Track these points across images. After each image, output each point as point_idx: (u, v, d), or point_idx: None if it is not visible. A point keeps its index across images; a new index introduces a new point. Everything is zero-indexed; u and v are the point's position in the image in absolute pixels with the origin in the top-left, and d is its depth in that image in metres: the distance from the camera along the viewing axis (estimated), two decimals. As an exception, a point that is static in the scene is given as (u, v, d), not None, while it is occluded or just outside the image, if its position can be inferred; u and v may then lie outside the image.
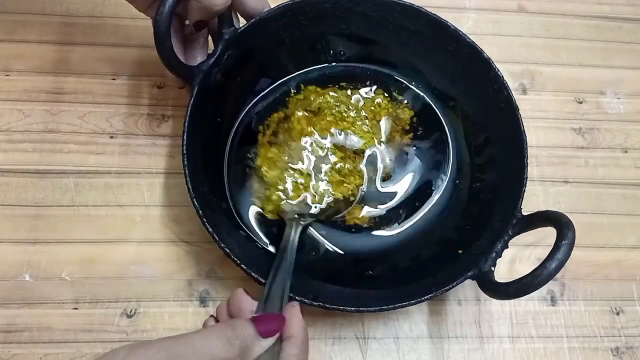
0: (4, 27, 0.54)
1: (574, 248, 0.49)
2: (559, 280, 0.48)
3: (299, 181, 0.46)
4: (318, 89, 0.51)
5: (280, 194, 0.45)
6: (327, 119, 0.49)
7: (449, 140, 0.50)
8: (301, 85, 0.51)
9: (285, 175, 0.46)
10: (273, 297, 0.35)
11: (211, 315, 0.36)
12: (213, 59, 0.43)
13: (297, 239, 0.41)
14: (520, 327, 0.46)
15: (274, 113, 0.49)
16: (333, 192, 0.46)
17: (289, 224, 0.43)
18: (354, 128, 0.49)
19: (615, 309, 0.48)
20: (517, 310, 0.47)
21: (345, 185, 0.46)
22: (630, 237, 0.51)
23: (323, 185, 0.46)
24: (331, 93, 0.50)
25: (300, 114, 0.49)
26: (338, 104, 0.50)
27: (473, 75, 0.48)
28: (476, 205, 0.46)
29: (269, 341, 0.30)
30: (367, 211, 0.46)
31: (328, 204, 0.46)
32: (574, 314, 0.47)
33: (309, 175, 0.46)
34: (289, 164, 0.46)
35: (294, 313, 0.33)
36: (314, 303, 0.37)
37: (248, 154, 0.47)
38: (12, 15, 0.55)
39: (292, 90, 0.51)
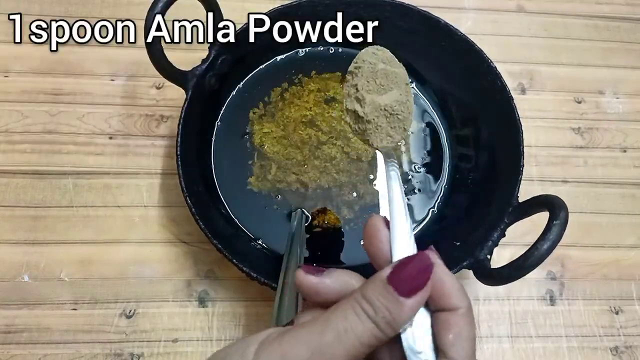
0: (3, 28, 0.54)
1: (573, 248, 0.50)
2: (558, 280, 0.48)
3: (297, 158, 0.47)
4: (340, 76, 0.51)
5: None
6: (333, 114, 0.50)
7: (444, 134, 0.50)
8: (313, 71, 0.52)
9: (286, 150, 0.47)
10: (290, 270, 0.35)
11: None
12: (206, 63, 0.44)
13: (302, 217, 0.43)
14: (520, 327, 0.46)
15: (275, 87, 0.51)
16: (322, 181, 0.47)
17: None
18: (351, 136, 0.49)
19: (615, 308, 0.48)
20: (516, 310, 0.47)
21: (334, 175, 0.47)
22: (629, 237, 0.51)
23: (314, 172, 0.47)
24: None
25: (313, 88, 0.50)
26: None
27: (467, 69, 0.48)
28: (473, 197, 0.46)
29: (417, 299, 0.21)
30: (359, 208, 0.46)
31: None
32: (573, 314, 0.47)
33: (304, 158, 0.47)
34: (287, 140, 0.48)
35: (438, 272, 0.22)
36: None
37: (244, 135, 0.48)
38: (11, 16, 0.55)
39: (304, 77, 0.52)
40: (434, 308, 0.22)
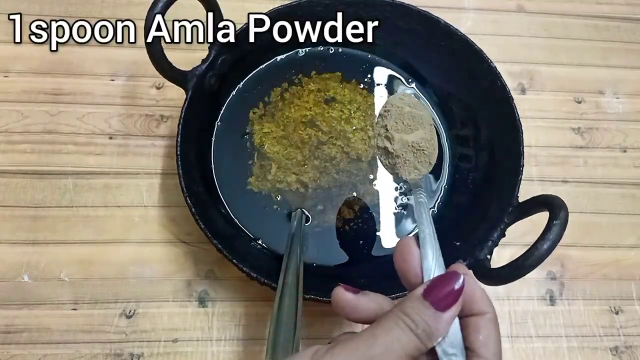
0: (3, 28, 0.54)
1: (573, 248, 0.50)
2: (558, 280, 0.48)
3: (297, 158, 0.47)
4: (340, 76, 0.52)
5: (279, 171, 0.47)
6: (333, 114, 0.50)
7: (444, 134, 0.50)
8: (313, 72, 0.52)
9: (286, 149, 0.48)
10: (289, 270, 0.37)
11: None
12: (206, 64, 0.44)
13: (302, 217, 0.44)
14: (519, 327, 0.46)
15: (275, 87, 0.51)
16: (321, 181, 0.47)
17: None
18: (351, 136, 0.49)
19: (614, 308, 0.48)
20: (516, 310, 0.47)
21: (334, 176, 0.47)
22: (629, 237, 0.51)
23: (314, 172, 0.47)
24: (348, 89, 0.51)
25: (313, 88, 0.50)
26: (350, 101, 0.50)
27: (467, 69, 0.48)
28: (473, 197, 0.46)
29: (453, 312, 0.24)
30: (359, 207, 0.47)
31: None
32: (573, 314, 0.47)
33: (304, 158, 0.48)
34: (287, 140, 0.48)
35: (471, 283, 0.25)
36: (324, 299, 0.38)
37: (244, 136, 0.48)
38: (11, 16, 0.55)
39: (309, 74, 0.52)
40: (465, 314, 0.25)
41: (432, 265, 0.26)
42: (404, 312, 0.24)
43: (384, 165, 0.38)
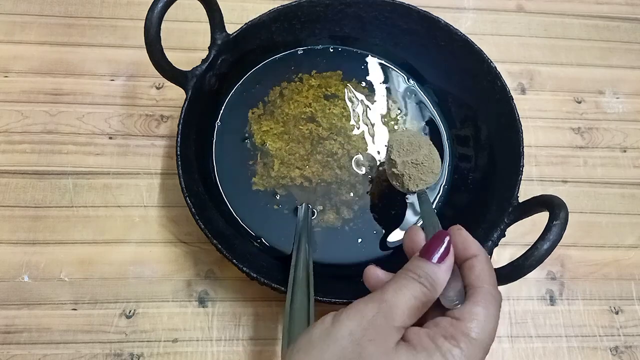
0: (2, 28, 0.54)
1: (573, 248, 0.50)
2: (557, 279, 0.48)
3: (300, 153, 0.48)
4: (340, 75, 0.52)
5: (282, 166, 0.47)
6: (334, 110, 0.50)
7: (444, 134, 0.50)
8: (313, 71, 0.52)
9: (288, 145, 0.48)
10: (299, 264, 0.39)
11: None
12: (206, 64, 0.44)
13: (308, 212, 0.45)
14: (519, 327, 0.46)
15: (275, 86, 0.51)
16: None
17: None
18: (351, 134, 0.49)
19: (614, 308, 0.48)
20: (516, 310, 0.47)
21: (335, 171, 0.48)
22: (629, 237, 0.51)
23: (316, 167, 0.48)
24: (350, 86, 0.51)
25: (313, 83, 0.51)
26: (352, 99, 0.50)
27: (467, 69, 0.48)
28: (472, 197, 0.46)
29: (448, 263, 0.29)
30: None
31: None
32: (573, 314, 0.47)
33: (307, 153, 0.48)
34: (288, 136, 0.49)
35: (457, 232, 0.31)
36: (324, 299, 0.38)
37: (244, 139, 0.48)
38: (10, 17, 0.55)
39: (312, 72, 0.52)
40: (462, 260, 0.30)
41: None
42: (408, 269, 0.29)
43: (396, 187, 0.43)
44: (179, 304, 0.45)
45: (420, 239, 0.32)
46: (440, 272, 0.28)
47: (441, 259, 0.29)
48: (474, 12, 0.60)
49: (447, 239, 0.29)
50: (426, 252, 0.29)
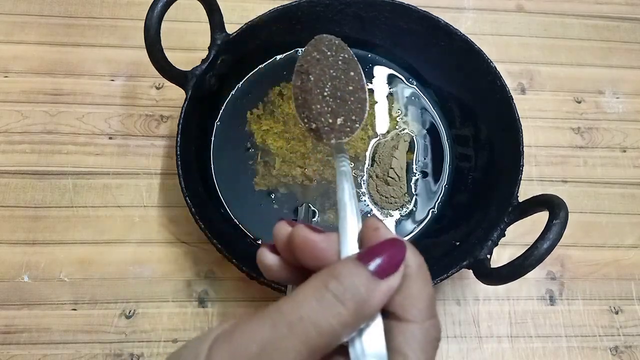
0: (2, 28, 0.54)
1: (573, 248, 0.49)
2: (557, 279, 0.48)
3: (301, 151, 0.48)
4: None
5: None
6: None
7: (444, 134, 0.50)
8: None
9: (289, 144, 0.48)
10: None
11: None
12: (206, 64, 0.44)
13: (309, 211, 0.44)
14: (519, 327, 0.46)
15: (274, 86, 0.51)
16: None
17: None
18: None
19: (614, 308, 0.48)
20: (516, 310, 0.47)
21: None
22: (629, 237, 0.51)
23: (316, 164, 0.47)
24: None
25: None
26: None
27: (467, 68, 0.48)
28: (473, 197, 0.46)
29: (392, 281, 0.19)
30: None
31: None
32: (573, 314, 0.47)
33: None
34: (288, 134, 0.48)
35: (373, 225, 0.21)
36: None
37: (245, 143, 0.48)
38: (10, 17, 0.55)
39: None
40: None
41: (353, 248, 0.21)
42: (332, 274, 0.19)
43: (304, 127, 0.33)
44: (179, 304, 0.45)
45: (328, 248, 0.21)
46: (378, 291, 0.19)
47: (386, 273, 0.19)
48: (474, 12, 0.60)
49: (402, 250, 0.20)
50: (366, 258, 0.19)
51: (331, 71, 0.33)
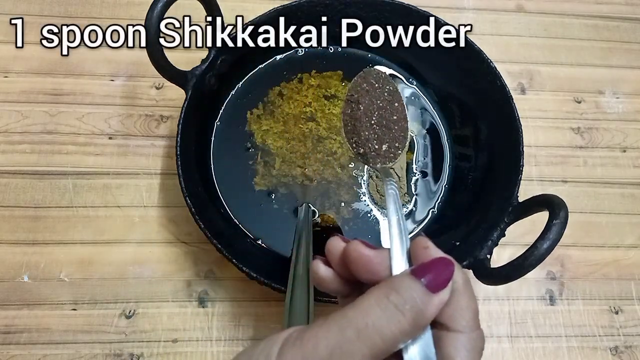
0: (2, 28, 0.54)
1: (573, 248, 0.50)
2: (557, 279, 0.48)
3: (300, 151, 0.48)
4: (340, 75, 0.52)
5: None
6: (333, 110, 0.50)
7: (444, 134, 0.50)
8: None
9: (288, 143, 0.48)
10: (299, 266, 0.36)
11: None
12: (206, 64, 0.44)
13: (309, 211, 0.44)
14: (519, 327, 0.46)
15: (274, 86, 0.51)
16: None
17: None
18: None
19: (614, 308, 0.48)
20: (516, 310, 0.47)
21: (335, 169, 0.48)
22: (629, 236, 0.51)
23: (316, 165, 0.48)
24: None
25: (313, 83, 0.51)
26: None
27: (467, 69, 0.48)
28: (473, 197, 0.46)
29: (443, 295, 0.21)
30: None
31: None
32: (573, 314, 0.47)
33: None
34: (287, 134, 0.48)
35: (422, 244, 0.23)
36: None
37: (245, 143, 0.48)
38: (10, 17, 0.55)
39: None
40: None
41: (400, 265, 0.23)
42: (392, 287, 0.21)
43: (353, 155, 0.36)
44: (179, 304, 0.45)
45: (381, 262, 0.23)
46: (432, 304, 0.21)
47: (438, 287, 0.21)
48: (474, 12, 0.60)
49: (450, 268, 0.22)
50: (421, 274, 0.21)
51: (378, 102, 0.36)
